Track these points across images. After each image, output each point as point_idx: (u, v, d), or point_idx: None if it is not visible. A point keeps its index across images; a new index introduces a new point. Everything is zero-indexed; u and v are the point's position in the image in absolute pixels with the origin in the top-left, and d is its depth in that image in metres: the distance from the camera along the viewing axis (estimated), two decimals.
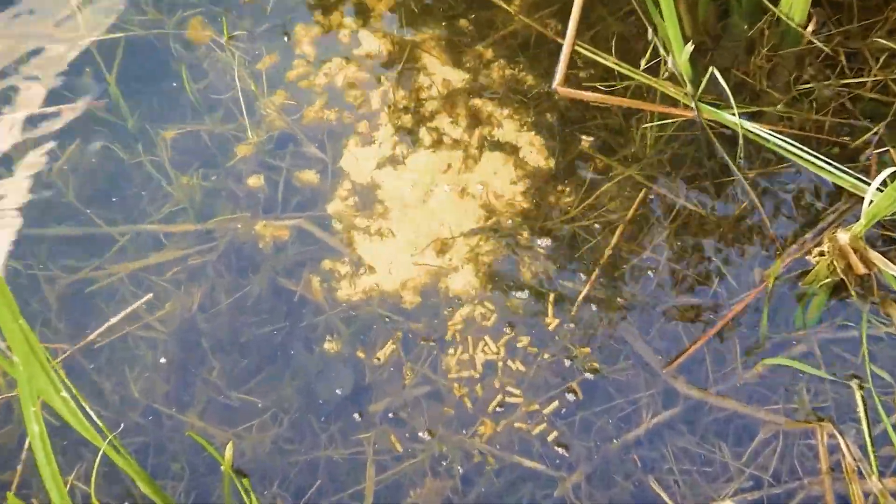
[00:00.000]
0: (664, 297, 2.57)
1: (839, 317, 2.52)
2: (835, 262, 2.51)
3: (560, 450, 2.41)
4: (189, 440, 2.42)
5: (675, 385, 2.45)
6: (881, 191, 2.44)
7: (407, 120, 2.88)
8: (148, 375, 2.51)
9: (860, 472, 2.34)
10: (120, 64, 2.97)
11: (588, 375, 2.48)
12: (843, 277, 2.51)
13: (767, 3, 2.85)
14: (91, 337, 2.56)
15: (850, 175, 2.61)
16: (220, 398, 2.48)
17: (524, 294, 2.59)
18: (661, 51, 2.83)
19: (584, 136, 2.82)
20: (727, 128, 2.76)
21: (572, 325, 2.54)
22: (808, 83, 2.83)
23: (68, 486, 2.39)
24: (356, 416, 2.46)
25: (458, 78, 2.95)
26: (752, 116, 2.78)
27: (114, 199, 2.76)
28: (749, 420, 2.41)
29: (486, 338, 2.55)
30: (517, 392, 2.48)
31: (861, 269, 2.49)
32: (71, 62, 2.98)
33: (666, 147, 2.78)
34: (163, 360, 2.53)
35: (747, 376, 2.46)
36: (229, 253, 2.67)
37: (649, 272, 2.60)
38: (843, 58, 2.85)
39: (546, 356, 2.51)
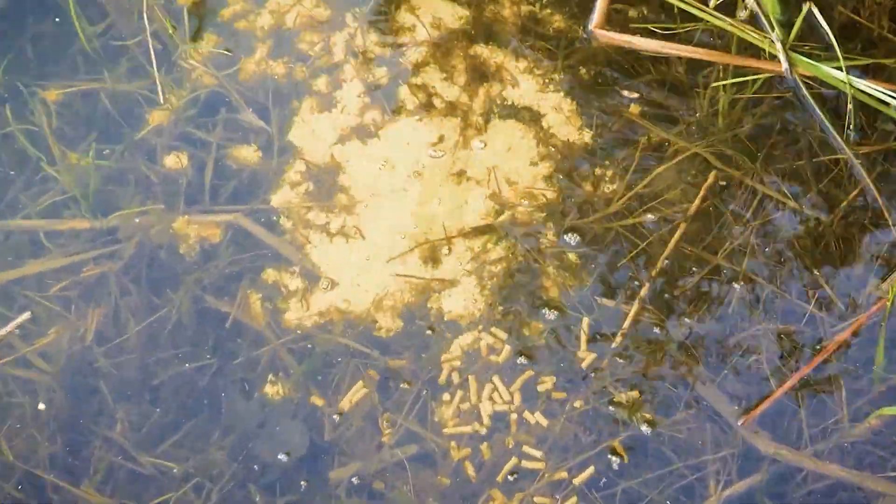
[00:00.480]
0: (742, 323, 2.62)
1: None
2: None
3: None
4: None
5: (756, 443, 2.50)
6: None
7: (381, 75, 2.94)
8: (26, 432, 2.56)
9: None
10: None
11: (636, 431, 2.53)
12: None
13: None
14: None
15: None
16: (124, 463, 2.53)
17: (548, 318, 2.65)
18: None
19: (631, 100, 2.88)
20: (831, 87, 2.81)
21: (614, 361, 2.60)
22: None
23: None
24: (309, 486, 2.51)
25: (455, 15, 2.99)
26: (866, 72, 2.83)
27: None
28: (859, 493, 2.45)
29: (495, 379, 2.60)
30: (538, 454, 2.53)
31: None
32: None
33: (745, 115, 2.83)
34: (44, 410, 2.57)
35: (856, 432, 2.50)
36: (138, 261, 2.72)
37: (721, 288, 2.66)
38: None
39: (577, 404, 2.56)
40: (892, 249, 2.66)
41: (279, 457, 2.53)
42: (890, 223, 2.69)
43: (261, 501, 2.49)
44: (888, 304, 2.57)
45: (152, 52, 2.94)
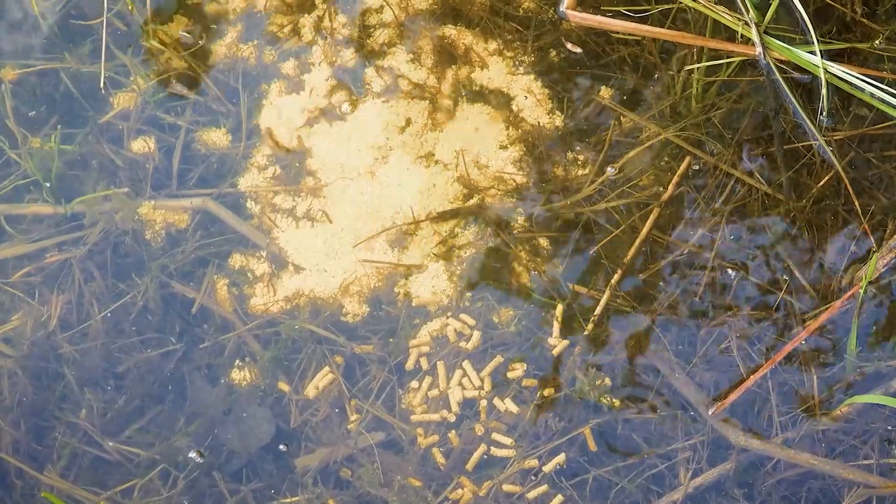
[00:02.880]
0: (713, 310, 2.62)
1: None
2: None
3: None
4: None
5: (725, 432, 2.51)
6: None
7: (349, 57, 2.93)
8: None
9: None
10: None
11: (606, 418, 2.53)
12: None
13: None
14: None
15: None
16: (89, 449, 2.53)
17: (519, 304, 2.64)
18: None
19: (603, 83, 2.87)
20: (805, 72, 2.81)
21: (585, 348, 2.60)
22: None
23: None
24: (277, 473, 2.51)
25: None
26: (841, 56, 2.83)
27: None
28: (830, 481, 2.46)
29: (465, 365, 2.60)
30: (508, 441, 2.53)
31: None
32: None
33: (718, 99, 2.83)
34: (9, 396, 2.57)
35: (828, 420, 2.51)
36: (103, 247, 2.72)
37: (693, 274, 2.66)
38: None
39: (548, 391, 2.56)
40: (864, 237, 2.66)
41: (249, 440, 2.53)
42: (858, 209, 2.69)
43: (226, 488, 2.49)
44: (861, 291, 2.57)
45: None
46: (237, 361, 2.60)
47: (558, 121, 2.82)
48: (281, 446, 2.51)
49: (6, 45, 2.93)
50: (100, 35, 2.93)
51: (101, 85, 2.85)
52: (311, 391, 2.57)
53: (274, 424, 2.54)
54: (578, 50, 2.83)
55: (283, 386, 2.58)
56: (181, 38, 2.93)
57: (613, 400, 2.53)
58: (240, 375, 2.58)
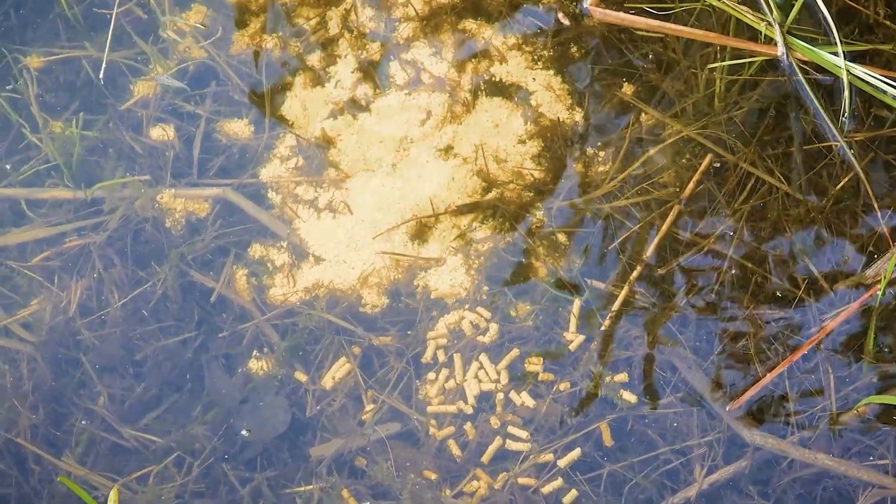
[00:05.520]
0: (730, 308, 2.63)
1: None
2: None
3: None
4: (64, 492, 2.48)
5: (741, 431, 2.51)
6: None
7: (374, 50, 2.94)
8: (7, 402, 2.56)
9: None
10: None
11: (621, 414, 2.54)
12: None
13: None
14: None
15: None
16: (106, 435, 2.54)
17: (536, 298, 2.65)
18: None
19: (625, 79, 2.88)
20: (827, 73, 2.81)
21: (602, 344, 2.60)
22: None
23: None
24: (292, 462, 2.52)
25: None
26: (863, 57, 2.83)
27: None
28: (845, 481, 2.46)
29: (482, 358, 2.61)
30: (523, 435, 2.54)
31: None
32: None
33: (740, 98, 2.83)
34: (28, 381, 2.58)
35: (844, 420, 2.51)
36: (122, 233, 2.73)
37: (711, 272, 2.66)
38: None
39: (564, 386, 2.57)
40: (883, 237, 2.66)
41: (265, 429, 2.54)
42: (877, 211, 2.69)
43: (240, 477, 2.50)
44: (880, 292, 2.57)
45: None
46: (255, 352, 2.61)
47: (578, 116, 2.83)
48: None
49: (34, 33, 2.95)
50: (120, 24, 2.95)
51: (101, 74, 2.86)
52: (327, 381, 2.58)
53: (290, 414, 2.54)
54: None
55: (300, 376, 2.58)
56: (202, 28, 2.94)
57: (629, 395, 2.54)
58: (257, 365, 2.59)
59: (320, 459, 2.51)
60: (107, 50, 2.88)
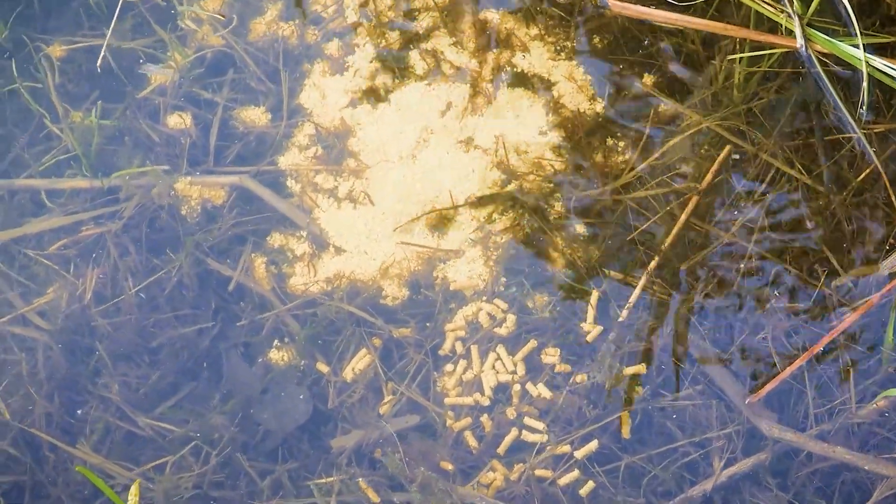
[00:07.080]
0: (750, 300, 2.63)
1: None
2: None
3: None
4: (79, 481, 2.49)
5: (760, 423, 2.52)
6: None
7: (393, 39, 2.93)
8: (22, 390, 2.57)
9: None
10: None
11: (640, 406, 2.55)
12: None
13: None
14: None
15: None
16: (122, 424, 2.54)
17: (554, 290, 2.65)
18: None
19: (645, 71, 2.88)
20: (847, 65, 2.81)
21: (620, 335, 2.61)
22: None
23: None
24: (313, 454, 2.53)
25: None
26: (883, 50, 2.82)
27: None
28: (864, 474, 2.47)
29: (499, 349, 2.61)
30: (540, 427, 2.54)
31: None
32: None
33: (760, 89, 2.83)
34: (43, 369, 2.58)
35: (863, 414, 2.52)
36: (139, 221, 2.73)
37: (730, 264, 2.67)
38: None
39: (581, 378, 2.57)
40: None
41: (285, 420, 2.54)
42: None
43: (260, 467, 2.51)
44: None
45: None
46: (275, 341, 2.61)
47: (599, 107, 2.82)
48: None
49: (55, 23, 2.94)
50: (139, 10, 2.94)
51: (99, 62, 2.86)
52: (348, 373, 2.58)
53: (309, 404, 2.55)
54: None
55: (322, 367, 2.59)
56: (218, 16, 2.93)
57: (647, 387, 2.54)
58: (278, 355, 2.60)
59: (341, 451, 2.52)
60: (107, 37, 2.88)
